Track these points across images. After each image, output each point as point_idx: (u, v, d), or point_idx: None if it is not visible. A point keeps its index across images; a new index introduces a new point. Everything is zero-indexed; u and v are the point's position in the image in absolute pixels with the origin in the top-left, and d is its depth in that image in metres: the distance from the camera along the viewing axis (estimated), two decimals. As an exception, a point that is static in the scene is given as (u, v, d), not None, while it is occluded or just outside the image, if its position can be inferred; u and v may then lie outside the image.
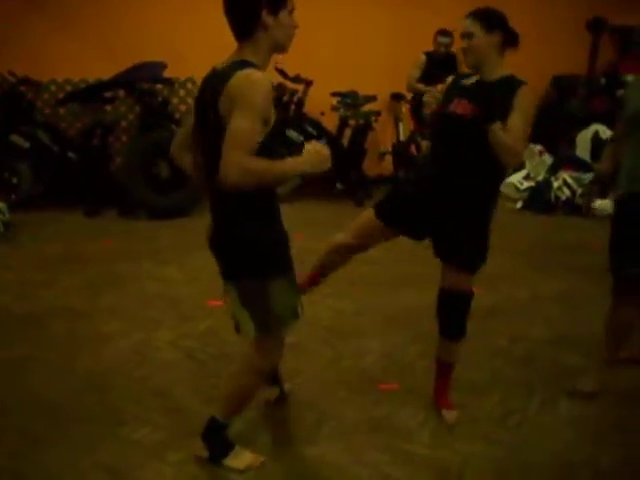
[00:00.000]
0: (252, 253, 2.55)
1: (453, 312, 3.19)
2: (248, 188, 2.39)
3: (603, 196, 7.49)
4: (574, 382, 3.57)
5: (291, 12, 2.49)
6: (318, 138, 7.63)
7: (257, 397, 3.01)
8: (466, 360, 3.55)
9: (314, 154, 2.49)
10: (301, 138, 7.55)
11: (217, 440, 2.85)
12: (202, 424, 2.86)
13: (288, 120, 7.59)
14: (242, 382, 2.78)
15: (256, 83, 2.35)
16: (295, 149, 7.07)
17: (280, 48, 2.53)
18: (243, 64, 2.41)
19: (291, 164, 2.48)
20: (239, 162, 2.33)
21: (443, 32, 7.40)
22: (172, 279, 5.18)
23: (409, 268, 5.27)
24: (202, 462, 2.87)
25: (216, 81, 2.43)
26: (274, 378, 3.32)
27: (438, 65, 7.29)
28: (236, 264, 2.60)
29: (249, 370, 2.75)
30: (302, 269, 3.17)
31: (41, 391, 3.49)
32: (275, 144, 2.50)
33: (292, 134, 7.49)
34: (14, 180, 7.11)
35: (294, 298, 2.68)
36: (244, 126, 2.33)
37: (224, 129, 2.36)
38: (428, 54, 7.56)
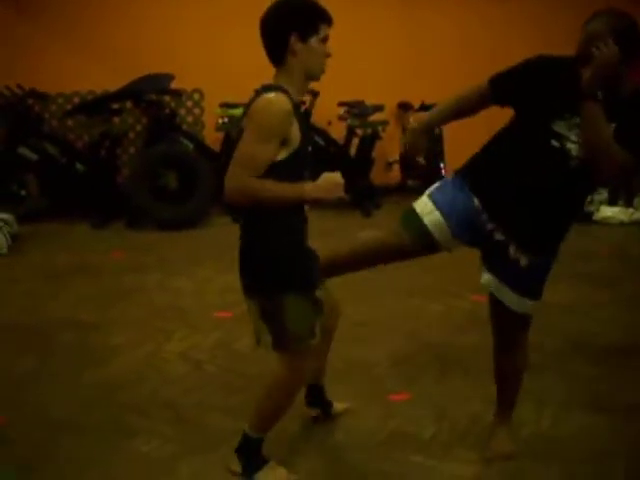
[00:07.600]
0: (271, 268, 2.54)
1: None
2: (246, 204, 2.46)
3: (613, 204, 7.50)
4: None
5: (324, 40, 2.49)
6: (326, 148, 7.63)
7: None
8: (479, 371, 3.52)
9: (329, 181, 2.52)
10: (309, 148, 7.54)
11: (251, 455, 2.78)
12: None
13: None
14: (271, 399, 2.73)
15: (272, 105, 2.39)
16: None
17: (311, 76, 2.55)
18: (270, 88, 2.45)
19: (302, 189, 2.49)
20: (239, 178, 2.41)
21: None
22: (181, 290, 5.16)
23: (417, 277, 5.21)
24: (221, 475, 2.83)
25: (248, 103, 2.49)
26: (312, 399, 3.27)
27: None
28: (256, 278, 2.59)
29: (277, 387, 2.71)
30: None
31: (49, 403, 3.47)
32: (298, 164, 2.51)
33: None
34: (22, 192, 7.14)
35: (312, 317, 2.61)
36: (250, 146, 2.40)
37: None
38: None
